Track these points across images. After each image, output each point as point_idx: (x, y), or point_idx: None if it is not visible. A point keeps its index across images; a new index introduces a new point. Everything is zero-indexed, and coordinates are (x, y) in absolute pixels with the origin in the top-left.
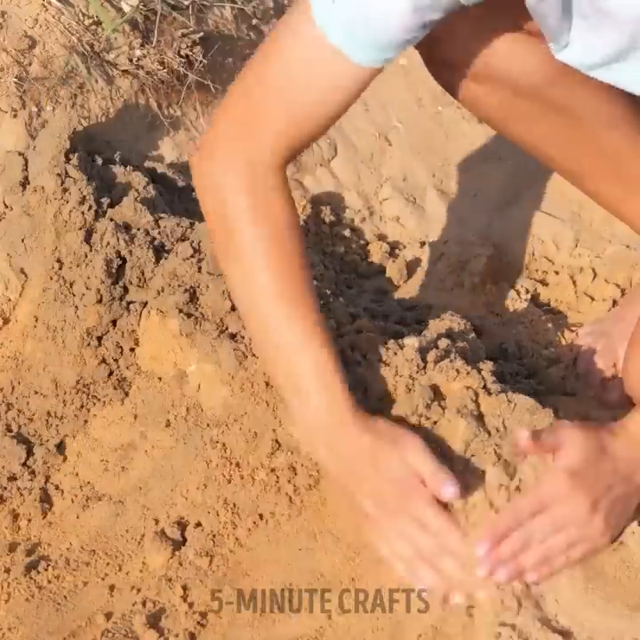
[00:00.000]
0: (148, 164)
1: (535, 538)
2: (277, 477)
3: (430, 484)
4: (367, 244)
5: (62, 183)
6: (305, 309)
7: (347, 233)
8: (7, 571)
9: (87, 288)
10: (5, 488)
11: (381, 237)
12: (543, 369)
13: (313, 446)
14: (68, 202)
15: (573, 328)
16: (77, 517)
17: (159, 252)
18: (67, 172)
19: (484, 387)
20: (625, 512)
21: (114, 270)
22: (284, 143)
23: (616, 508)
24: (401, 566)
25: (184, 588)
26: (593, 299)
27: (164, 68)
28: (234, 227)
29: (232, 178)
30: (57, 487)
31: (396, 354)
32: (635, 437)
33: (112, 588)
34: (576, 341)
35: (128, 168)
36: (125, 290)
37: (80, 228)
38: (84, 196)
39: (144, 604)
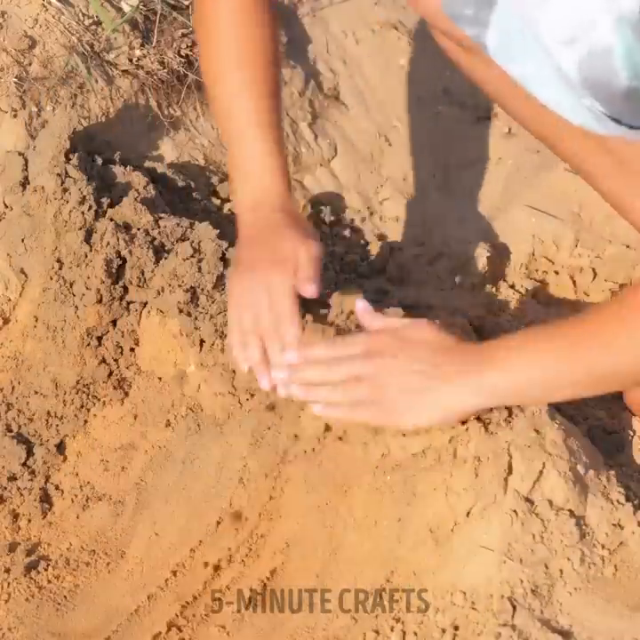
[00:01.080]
0: (147, 164)
1: (334, 378)
2: None
3: (300, 273)
4: (367, 243)
5: (62, 183)
6: (262, 91)
7: (347, 233)
8: (7, 571)
9: (87, 288)
10: (5, 488)
11: (381, 237)
12: None
13: (241, 208)
14: (68, 202)
15: None
16: (77, 517)
17: (159, 252)
18: (67, 172)
19: None
20: (422, 393)
21: (114, 270)
22: None
23: (408, 389)
24: (235, 336)
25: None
26: (593, 299)
27: (164, 68)
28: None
29: None
30: (57, 487)
31: None
32: (481, 352)
33: (113, 587)
34: None
35: (128, 168)
36: (125, 290)
37: (80, 228)
38: (84, 196)
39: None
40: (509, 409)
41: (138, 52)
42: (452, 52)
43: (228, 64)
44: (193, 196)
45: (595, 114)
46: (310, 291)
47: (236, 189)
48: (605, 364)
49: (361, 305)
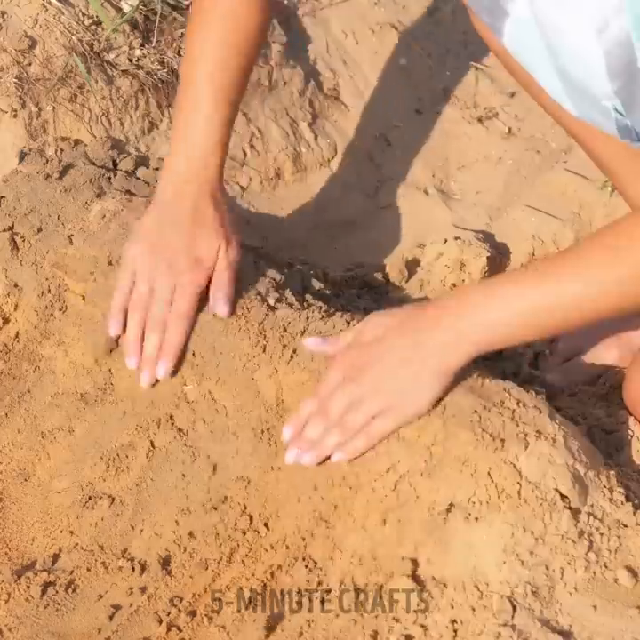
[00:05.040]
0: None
1: (333, 417)
2: None
3: (214, 284)
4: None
5: None
6: (226, 96)
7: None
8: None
9: None
10: None
11: (381, 237)
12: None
13: (165, 177)
14: None
15: None
16: (77, 517)
17: None
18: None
19: None
20: (410, 380)
21: None
22: None
23: (404, 383)
24: (118, 299)
25: (185, 586)
26: None
27: (164, 68)
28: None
29: None
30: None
31: None
32: (439, 308)
33: (113, 587)
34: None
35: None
36: None
37: None
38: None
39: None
40: (511, 409)
41: (138, 52)
42: (487, 39)
43: (205, 66)
44: None
45: (612, 118)
46: (223, 311)
47: (172, 151)
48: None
49: (310, 342)
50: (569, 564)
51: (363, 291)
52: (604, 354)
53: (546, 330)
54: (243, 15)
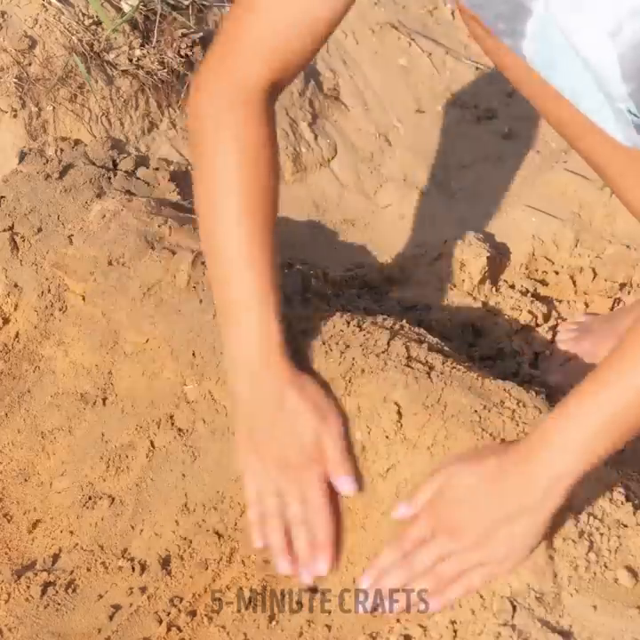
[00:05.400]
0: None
1: (417, 569)
2: None
3: (331, 468)
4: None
5: None
6: (261, 250)
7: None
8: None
9: None
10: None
11: (381, 238)
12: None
13: (235, 377)
14: None
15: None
16: (77, 517)
17: None
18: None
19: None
20: (515, 535)
21: None
22: (268, 71)
23: (496, 533)
24: (254, 514)
25: (185, 586)
26: (593, 299)
27: (164, 68)
28: (205, 145)
29: (216, 105)
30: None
31: None
32: (530, 455)
33: (113, 587)
34: (557, 335)
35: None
36: None
37: None
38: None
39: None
40: (511, 409)
41: (138, 52)
42: (478, 36)
43: (228, 214)
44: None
45: (627, 120)
46: (348, 491)
47: (229, 357)
48: None
49: (397, 513)
50: (569, 564)
51: (363, 291)
52: (604, 354)
53: (629, 431)
54: (254, 151)
